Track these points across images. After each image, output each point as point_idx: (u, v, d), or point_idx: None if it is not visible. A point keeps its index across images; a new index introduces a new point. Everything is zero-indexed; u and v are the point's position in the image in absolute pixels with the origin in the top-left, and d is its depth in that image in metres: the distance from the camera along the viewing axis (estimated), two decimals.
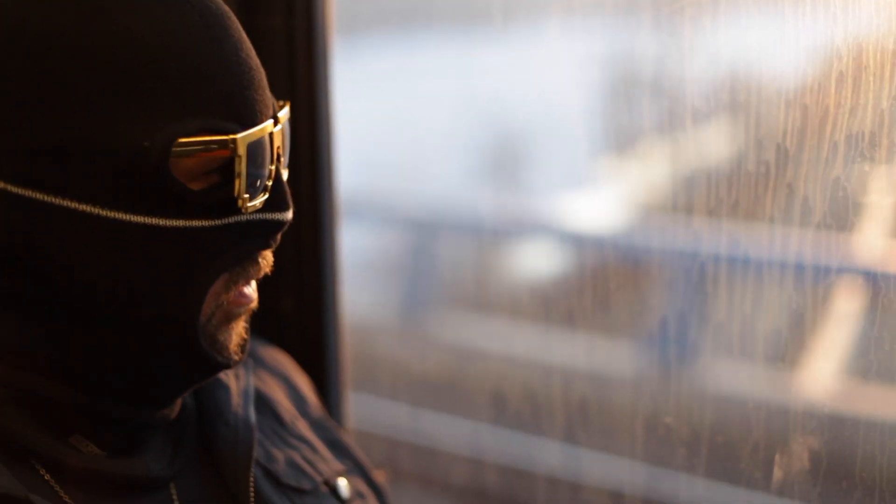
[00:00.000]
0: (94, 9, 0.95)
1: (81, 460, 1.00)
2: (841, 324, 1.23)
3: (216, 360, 1.02)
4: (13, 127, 0.95)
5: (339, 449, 1.23)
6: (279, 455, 1.14)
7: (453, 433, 1.56)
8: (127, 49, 0.94)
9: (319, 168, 1.57)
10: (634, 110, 1.33)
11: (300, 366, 1.34)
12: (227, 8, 1.01)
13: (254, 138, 0.98)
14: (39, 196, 0.95)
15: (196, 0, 0.98)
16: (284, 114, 1.03)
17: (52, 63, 0.94)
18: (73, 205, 0.95)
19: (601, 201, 1.48)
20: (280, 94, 1.05)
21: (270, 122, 1.00)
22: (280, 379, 1.26)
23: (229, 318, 1.02)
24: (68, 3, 0.95)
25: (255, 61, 1.01)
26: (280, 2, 1.52)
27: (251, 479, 1.08)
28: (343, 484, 1.17)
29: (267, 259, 1.04)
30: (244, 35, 1.01)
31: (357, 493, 1.19)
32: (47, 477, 0.99)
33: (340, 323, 1.63)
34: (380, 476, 1.26)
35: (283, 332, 1.58)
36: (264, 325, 1.44)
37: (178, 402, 1.08)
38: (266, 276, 1.05)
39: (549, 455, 1.37)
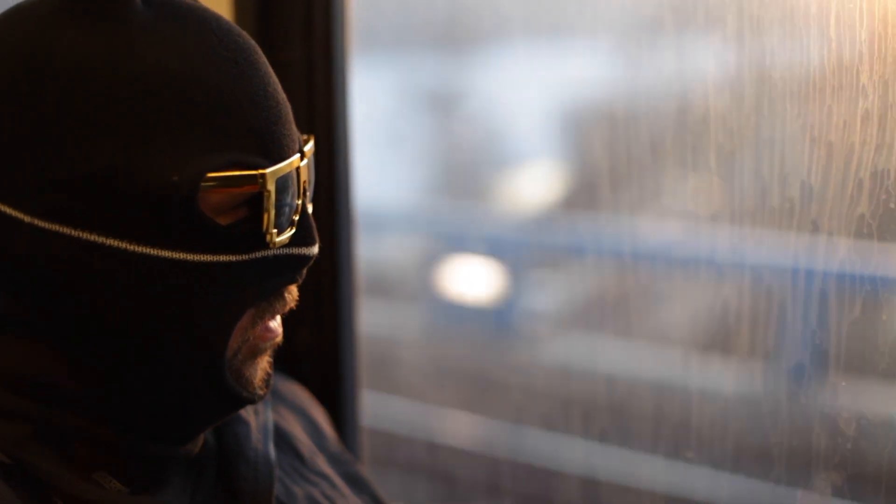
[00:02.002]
0: (124, 41, 0.94)
1: (103, 497, 0.99)
2: None
3: (242, 396, 1.01)
4: (39, 159, 0.94)
5: (357, 484, 1.22)
6: (298, 492, 1.13)
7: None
8: (156, 82, 0.94)
9: (338, 199, 1.57)
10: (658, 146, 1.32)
11: (316, 397, 1.33)
12: (254, 43, 1.01)
13: (282, 173, 0.97)
14: (65, 230, 0.94)
15: (224, 35, 0.98)
16: (310, 148, 1.03)
17: (80, 95, 0.93)
18: (100, 239, 0.94)
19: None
20: (301, 126, 1.05)
21: (298, 156, 1.00)
22: (298, 413, 1.25)
23: (255, 353, 1.02)
24: (98, 35, 0.94)
25: (282, 96, 1.00)
26: (299, 35, 1.52)
27: None
28: None
29: (292, 294, 1.03)
30: (271, 70, 1.01)
31: None
32: None
33: (357, 354, 1.62)
34: None
35: (299, 363, 1.58)
36: (280, 356, 1.44)
37: (201, 438, 1.07)
38: None
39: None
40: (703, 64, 1.25)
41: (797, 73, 1.18)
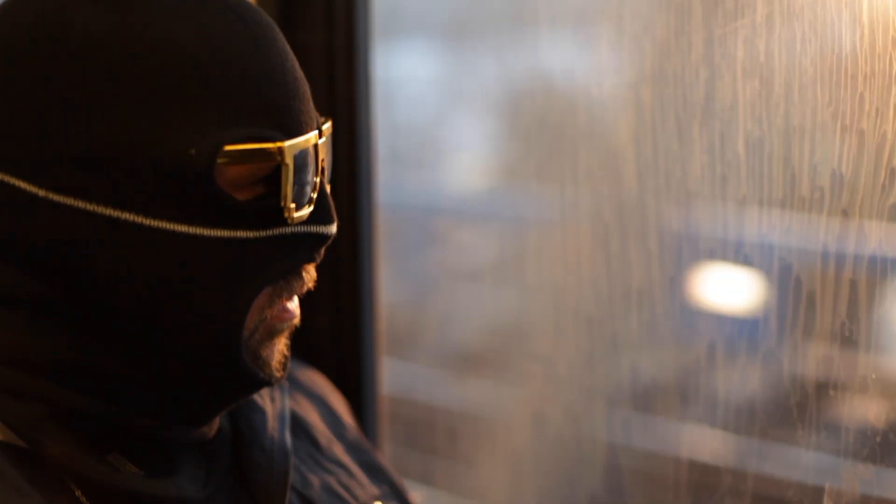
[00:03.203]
0: (141, 16, 0.94)
1: (116, 480, 0.98)
2: None
3: (258, 377, 1.00)
4: (55, 134, 0.94)
5: (375, 472, 1.21)
6: (315, 480, 1.12)
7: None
8: (173, 57, 0.93)
9: (359, 184, 1.56)
10: (685, 139, 1.30)
11: (335, 384, 1.32)
12: (272, 21, 1.00)
13: (300, 148, 0.97)
14: (81, 204, 0.94)
15: (243, 11, 0.98)
16: (328, 127, 1.02)
17: (97, 69, 0.93)
18: (116, 213, 0.94)
19: None
20: (320, 110, 1.04)
21: (315, 133, 0.99)
22: (315, 401, 1.24)
23: (272, 334, 1.01)
24: (115, 10, 0.94)
25: (300, 73, 1.00)
26: (321, 17, 1.51)
27: None
28: None
29: (311, 273, 1.02)
30: (289, 47, 1.00)
31: None
32: (78, 494, 0.97)
33: (377, 340, 1.61)
34: (416, 498, 1.24)
35: (318, 349, 1.57)
36: (299, 342, 1.43)
37: (216, 422, 1.06)
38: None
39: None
40: (732, 51, 1.23)
41: (828, 60, 1.15)
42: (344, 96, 1.53)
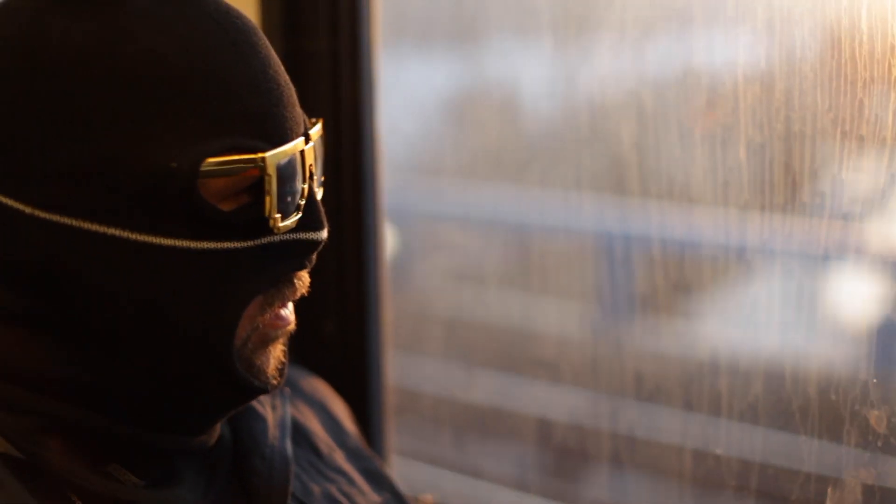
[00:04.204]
0: (119, 28, 0.93)
1: (119, 490, 0.98)
2: None
3: (253, 385, 1.00)
4: (38, 149, 0.93)
5: (377, 480, 1.20)
6: (316, 489, 1.12)
7: None
8: (152, 69, 0.93)
9: (364, 189, 1.56)
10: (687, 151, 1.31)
11: (341, 391, 1.32)
12: (254, 24, 0.99)
13: (284, 157, 0.96)
14: (66, 220, 0.93)
15: (222, 18, 0.97)
16: (316, 131, 1.01)
17: (77, 84, 0.93)
18: (101, 228, 0.93)
19: None
20: (326, 116, 1.03)
21: (301, 139, 0.98)
22: (317, 409, 1.24)
23: (266, 342, 1.00)
24: (92, 22, 0.93)
25: (284, 78, 0.99)
26: (325, 24, 1.51)
27: None
28: None
29: (303, 280, 1.01)
30: (272, 52, 0.99)
31: None
32: None
33: (384, 346, 1.61)
34: (427, 499, 1.24)
35: (324, 355, 1.57)
36: (305, 348, 1.43)
37: (216, 430, 1.06)
38: (307, 297, 1.02)
39: None
40: (734, 55, 1.23)
41: (828, 66, 1.15)
42: (348, 102, 1.53)
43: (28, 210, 0.94)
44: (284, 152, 0.96)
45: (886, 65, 1.11)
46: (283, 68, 0.99)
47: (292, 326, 1.02)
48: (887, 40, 1.10)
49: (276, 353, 1.02)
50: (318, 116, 1.04)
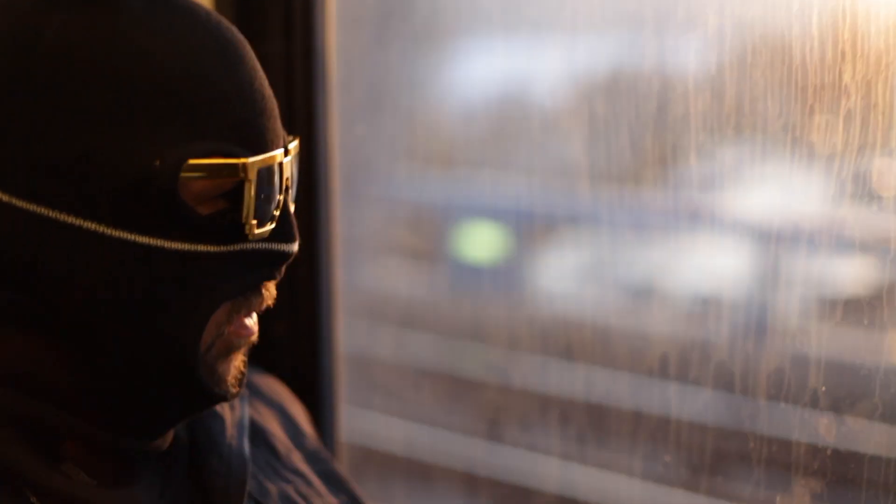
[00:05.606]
0: (111, 28, 0.95)
1: (69, 488, 0.99)
2: None
3: (213, 392, 1.01)
4: (21, 140, 0.94)
5: (334, 482, 1.21)
6: (273, 489, 1.12)
7: None
8: (143, 69, 0.94)
9: (316, 197, 1.56)
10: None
11: (293, 392, 1.32)
12: (242, 37, 1.01)
13: (264, 165, 0.97)
14: (43, 211, 0.94)
15: (213, 27, 0.98)
16: (294, 146, 1.03)
17: (65, 79, 0.94)
18: (77, 221, 0.94)
19: None
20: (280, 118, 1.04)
21: (281, 151, 1.00)
22: (276, 409, 1.24)
23: (229, 350, 1.01)
24: (86, 21, 0.95)
25: (269, 91, 1.01)
26: (278, 27, 1.51)
27: None
28: None
29: (270, 291, 1.03)
30: (258, 65, 1.01)
31: None
32: (34, 500, 0.97)
33: (335, 349, 1.61)
34: None
35: (276, 357, 1.57)
36: (257, 350, 1.43)
37: (171, 432, 1.06)
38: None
39: None
40: (684, 61, 1.25)
41: (778, 72, 1.17)
42: (301, 105, 1.53)
43: (6, 198, 0.95)
44: (265, 161, 0.97)
45: (837, 71, 1.13)
46: (267, 82, 1.01)
47: (255, 337, 1.03)
48: (838, 46, 1.12)
49: (237, 362, 1.03)
50: None
